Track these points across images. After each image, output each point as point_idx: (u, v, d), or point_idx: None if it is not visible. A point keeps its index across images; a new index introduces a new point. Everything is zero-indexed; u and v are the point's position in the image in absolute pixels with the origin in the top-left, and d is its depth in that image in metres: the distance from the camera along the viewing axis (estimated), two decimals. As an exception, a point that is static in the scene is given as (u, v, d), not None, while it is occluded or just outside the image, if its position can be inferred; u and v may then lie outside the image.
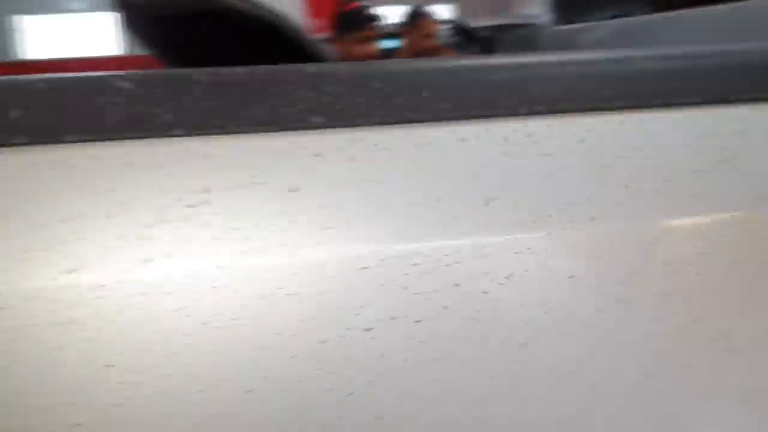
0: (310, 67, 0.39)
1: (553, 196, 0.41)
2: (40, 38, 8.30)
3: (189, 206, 0.36)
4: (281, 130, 0.38)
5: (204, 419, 0.36)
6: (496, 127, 0.41)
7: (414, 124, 0.40)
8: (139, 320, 0.35)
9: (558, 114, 0.42)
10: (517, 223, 0.40)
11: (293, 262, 0.37)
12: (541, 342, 0.40)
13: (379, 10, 2.44)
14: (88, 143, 0.35)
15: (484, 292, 0.39)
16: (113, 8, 0.68)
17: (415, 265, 0.38)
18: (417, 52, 2.55)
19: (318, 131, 0.38)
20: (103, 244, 0.34)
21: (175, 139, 0.36)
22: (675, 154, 0.43)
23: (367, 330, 0.38)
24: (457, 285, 0.39)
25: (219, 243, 0.36)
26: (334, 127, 0.38)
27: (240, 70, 0.38)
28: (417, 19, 2.52)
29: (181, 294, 0.35)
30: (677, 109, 0.44)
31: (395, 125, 0.39)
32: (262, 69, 0.38)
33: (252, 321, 0.36)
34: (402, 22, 2.54)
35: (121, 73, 0.36)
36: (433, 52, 2.50)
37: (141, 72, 0.37)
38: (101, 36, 7.88)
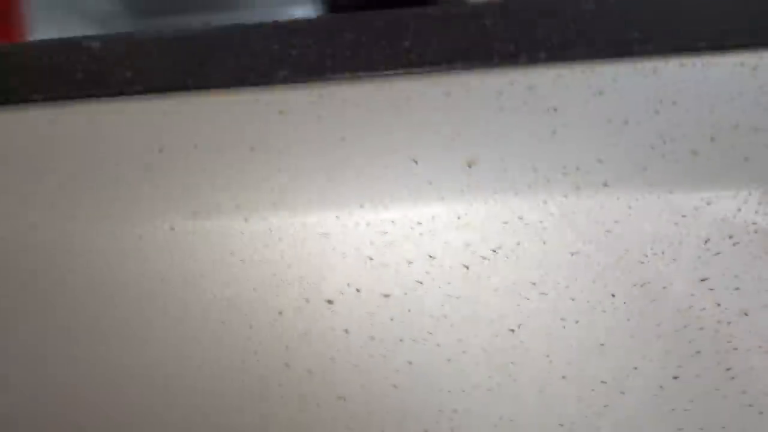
0: (277, 20, 0.36)
1: (555, 158, 0.34)
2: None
3: (145, 166, 0.35)
4: (243, 85, 0.36)
5: (146, 389, 0.35)
6: (488, 79, 0.35)
7: (391, 77, 0.36)
8: (83, 281, 0.35)
9: (568, 62, 0.35)
10: (507, 189, 0.34)
11: (247, 226, 0.35)
12: (536, 328, 0.34)
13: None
14: (50, 103, 0.35)
15: (465, 266, 0.34)
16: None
17: (384, 233, 0.34)
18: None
19: (283, 86, 0.36)
20: (55, 207, 0.35)
21: (134, 97, 0.35)
22: (726, 107, 0.34)
23: (329, 302, 0.35)
24: (432, 257, 0.34)
25: (172, 204, 0.35)
26: (300, 81, 0.36)
27: (202, 26, 0.36)
28: None
29: (132, 256, 0.35)
30: (733, 52, 0.35)
31: (369, 79, 0.36)
32: (225, 24, 0.36)
33: (202, 287, 0.35)
34: None
35: (94, 35, 0.37)
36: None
37: (113, 33, 0.37)
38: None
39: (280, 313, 0.35)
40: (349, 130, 0.35)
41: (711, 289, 0.34)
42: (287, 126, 0.35)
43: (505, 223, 0.34)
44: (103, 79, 0.35)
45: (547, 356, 0.35)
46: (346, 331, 0.35)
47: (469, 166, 0.34)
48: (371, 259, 0.34)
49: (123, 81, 0.35)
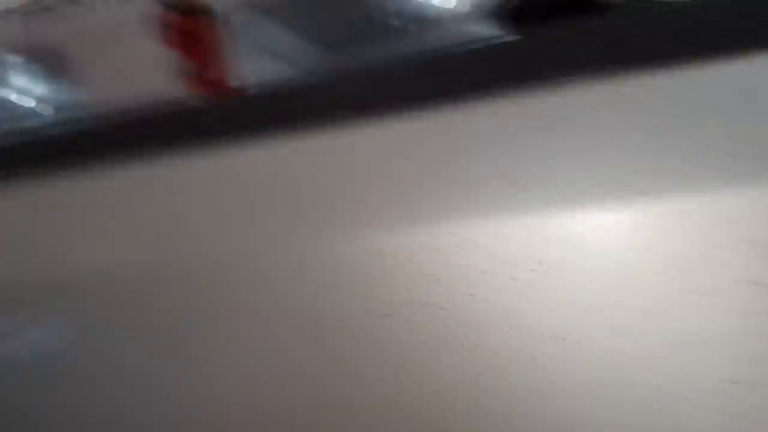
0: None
1: (593, 171, 0.36)
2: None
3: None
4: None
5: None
6: (527, 102, 0.38)
7: (438, 109, 0.39)
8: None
9: (600, 78, 0.37)
10: (549, 203, 0.36)
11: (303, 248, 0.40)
12: (586, 337, 0.36)
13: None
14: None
15: (513, 279, 0.37)
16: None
17: (437, 249, 0.38)
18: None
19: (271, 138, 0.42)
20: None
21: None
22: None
23: (389, 316, 0.38)
24: (482, 271, 0.37)
25: (153, 232, 0.42)
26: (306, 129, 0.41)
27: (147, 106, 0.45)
28: None
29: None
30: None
31: (419, 113, 0.40)
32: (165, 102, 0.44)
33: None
34: None
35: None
36: None
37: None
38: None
39: (340, 328, 0.39)
40: (406, 157, 0.39)
41: (760, 295, 0.33)
42: (354, 160, 0.40)
43: (548, 238, 0.36)
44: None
45: (601, 364, 0.36)
46: (407, 341, 0.38)
47: (513, 183, 0.37)
48: (426, 274, 0.38)
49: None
